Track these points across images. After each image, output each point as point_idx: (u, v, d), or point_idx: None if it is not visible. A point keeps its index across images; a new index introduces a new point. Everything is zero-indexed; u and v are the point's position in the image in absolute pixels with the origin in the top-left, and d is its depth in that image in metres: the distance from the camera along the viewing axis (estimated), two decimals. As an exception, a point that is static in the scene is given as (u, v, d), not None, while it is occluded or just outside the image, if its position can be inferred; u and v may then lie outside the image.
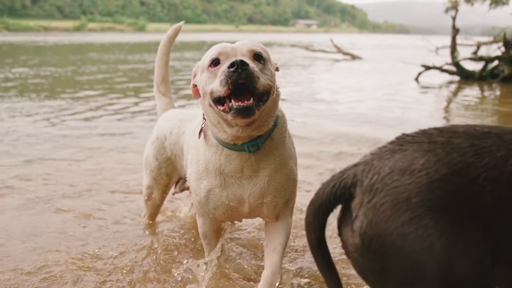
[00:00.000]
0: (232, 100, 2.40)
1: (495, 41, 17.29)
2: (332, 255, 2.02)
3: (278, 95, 2.70)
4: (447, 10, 21.69)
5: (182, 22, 4.04)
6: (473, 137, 1.78)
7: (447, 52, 18.62)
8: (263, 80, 2.44)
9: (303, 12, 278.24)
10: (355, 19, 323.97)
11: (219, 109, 2.48)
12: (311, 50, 33.35)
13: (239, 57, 2.43)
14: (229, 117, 2.43)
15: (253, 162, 2.69)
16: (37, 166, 5.91)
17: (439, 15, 22.66)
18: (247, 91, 2.41)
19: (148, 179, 3.76)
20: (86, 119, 8.98)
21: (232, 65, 2.35)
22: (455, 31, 17.02)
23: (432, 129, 1.85)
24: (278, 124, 2.76)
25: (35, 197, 4.85)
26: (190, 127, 3.19)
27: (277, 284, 2.82)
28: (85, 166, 5.95)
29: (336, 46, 28.50)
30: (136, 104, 11.02)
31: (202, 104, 2.68)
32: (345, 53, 28.47)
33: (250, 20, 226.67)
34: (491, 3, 21.67)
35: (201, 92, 2.63)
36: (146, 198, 3.87)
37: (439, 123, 10.01)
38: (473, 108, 11.64)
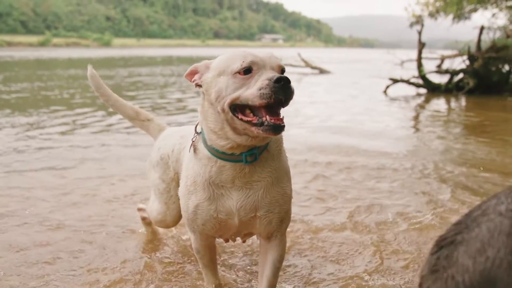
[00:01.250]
0: (267, 116, 2.41)
1: (459, 55, 17.77)
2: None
3: None
4: (411, 25, 22.23)
5: (89, 67, 3.64)
6: None
7: (412, 65, 19.06)
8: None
9: (269, 26, 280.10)
10: (320, 34, 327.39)
11: (239, 118, 2.46)
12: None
13: (274, 72, 2.46)
14: (257, 130, 2.42)
15: (246, 174, 2.66)
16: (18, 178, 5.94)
17: (403, 29, 23.16)
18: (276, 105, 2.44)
19: (159, 204, 3.59)
20: (62, 133, 8.98)
21: (278, 80, 2.36)
22: (421, 45, 17.46)
23: None
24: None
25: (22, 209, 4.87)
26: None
27: None
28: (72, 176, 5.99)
29: (304, 60, 28.76)
30: (107, 116, 11.03)
31: (203, 107, 2.64)
32: (313, 67, 28.73)
33: (216, 35, 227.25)
34: (454, 18, 22.25)
35: (213, 95, 2.53)
36: (157, 223, 3.76)
37: (410, 132, 10.32)
38: (441, 118, 12.00)
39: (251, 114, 2.45)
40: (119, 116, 8.44)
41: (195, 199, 2.75)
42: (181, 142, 3.28)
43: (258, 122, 2.41)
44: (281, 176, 2.77)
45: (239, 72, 2.47)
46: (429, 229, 4.45)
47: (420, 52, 17.44)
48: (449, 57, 18.52)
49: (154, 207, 3.65)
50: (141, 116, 3.82)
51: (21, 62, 40.08)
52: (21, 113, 11.64)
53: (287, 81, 2.36)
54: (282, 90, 2.35)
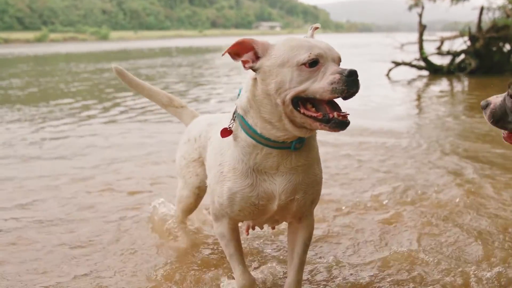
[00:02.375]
0: (335, 113, 2.40)
1: (460, 35, 17.89)
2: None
3: None
4: (410, 8, 22.29)
5: (113, 67, 3.78)
6: None
7: (411, 48, 19.20)
8: None
9: (266, 14, 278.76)
10: (317, 20, 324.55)
11: (302, 112, 2.42)
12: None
13: (331, 64, 2.42)
14: (322, 126, 2.41)
15: (292, 160, 2.65)
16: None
17: (400, 13, 23.23)
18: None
19: (180, 181, 3.73)
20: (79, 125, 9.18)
21: (351, 74, 2.34)
22: (422, 27, 17.56)
23: None
24: None
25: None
26: (216, 133, 3.08)
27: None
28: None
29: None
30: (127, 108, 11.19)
31: (253, 96, 2.56)
32: None
33: (214, 25, 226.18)
34: (452, -1, 22.34)
35: (272, 85, 2.45)
36: (178, 200, 3.84)
37: (415, 111, 10.51)
38: (444, 98, 12.17)
39: (313, 109, 2.42)
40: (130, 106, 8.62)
41: (234, 186, 2.71)
42: (208, 130, 3.33)
43: (324, 119, 2.39)
44: (316, 160, 2.80)
45: (304, 64, 2.40)
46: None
47: (421, 35, 17.54)
48: (450, 38, 18.64)
49: (178, 187, 3.78)
50: (175, 102, 3.92)
51: (21, 58, 40.12)
52: (32, 106, 11.83)
53: (357, 74, 2.36)
54: (355, 85, 2.35)
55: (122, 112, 11.00)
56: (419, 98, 12.70)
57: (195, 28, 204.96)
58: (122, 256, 3.84)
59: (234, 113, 2.71)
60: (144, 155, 6.93)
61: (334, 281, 3.42)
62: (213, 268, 3.58)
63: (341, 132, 2.44)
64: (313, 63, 2.39)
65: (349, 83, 2.33)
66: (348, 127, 2.40)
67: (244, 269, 2.97)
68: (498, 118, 2.56)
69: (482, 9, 17.31)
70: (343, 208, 4.75)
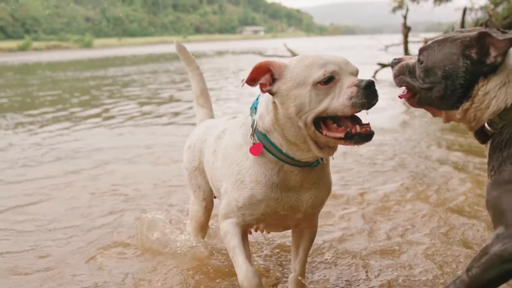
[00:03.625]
0: (357, 126, 2.37)
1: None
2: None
3: None
4: (394, 10, 22.51)
5: (175, 41, 3.85)
6: None
7: (395, 50, 19.40)
8: None
9: (249, 19, 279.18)
10: (301, 23, 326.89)
11: (325, 134, 2.41)
12: (265, 55, 33.76)
13: (347, 78, 2.40)
14: (347, 142, 2.39)
15: (313, 176, 2.68)
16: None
17: (383, 15, 23.46)
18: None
19: (191, 193, 3.70)
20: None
21: (369, 85, 2.32)
22: (407, 29, 17.76)
23: None
24: None
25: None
26: (212, 135, 3.17)
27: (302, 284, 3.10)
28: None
29: (290, 50, 28.94)
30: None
31: (278, 119, 2.52)
32: None
33: (198, 30, 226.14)
34: (435, 0, 22.59)
35: (292, 109, 2.43)
36: (190, 216, 3.78)
37: (401, 109, 10.71)
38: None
39: (335, 125, 2.40)
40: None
41: (259, 195, 2.68)
42: (205, 132, 3.34)
43: (347, 136, 2.37)
44: (329, 174, 2.88)
45: (320, 83, 2.37)
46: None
47: (406, 36, 17.74)
48: (433, 39, 18.87)
49: (190, 201, 3.75)
50: (199, 99, 3.89)
51: (6, 67, 39.85)
52: (18, 114, 11.85)
53: (374, 85, 2.33)
54: (374, 97, 2.33)
55: (110, 118, 11.09)
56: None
57: (179, 34, 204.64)
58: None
59: (254, 129, 2.65)
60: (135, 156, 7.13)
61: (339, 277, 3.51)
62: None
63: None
64: (329, 80, 2.37)
65: (368, 95, 2.31)
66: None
67: (246, 261, 2.77)
68: (403, 73, 2.52)
69: (465, 10, 17.54)
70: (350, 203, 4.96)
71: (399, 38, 18.36)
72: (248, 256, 2.84)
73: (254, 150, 2.63)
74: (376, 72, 17.34)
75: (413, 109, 10.69)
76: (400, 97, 2.58)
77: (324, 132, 2.40)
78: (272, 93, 2.50)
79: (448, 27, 18.68)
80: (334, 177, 5.42)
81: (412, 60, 2.54)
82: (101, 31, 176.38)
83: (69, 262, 3.88)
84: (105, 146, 8.11)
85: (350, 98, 2.32)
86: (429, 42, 2.46)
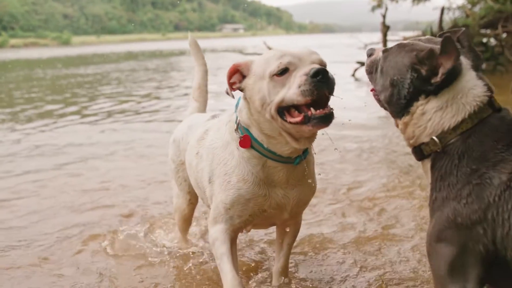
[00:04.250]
0: (311, 109, 2.36)
1: (422, 35, 18.28)
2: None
3: None
4: (373, 9, 22.66)
5: (190, 35, 3.87)
6: None
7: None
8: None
9: (229, 16, 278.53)
10: (281, 21, 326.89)
11: (290, 122, 2.42)
12: (245, 53, 33.83)
13: (301, 65, 2.42)
14: (307, 128, 2.39)
15: (298, 173, 2.70)
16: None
17: (362, 13, 23.58)
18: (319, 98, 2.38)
19: (173, 186, 3.70)
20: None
21: (316, 74, 2.32)
22: (386, 28, 17.93)
23: None
24: None
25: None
26: (194, 137, 3.18)
27: (284, 277, 3.23)
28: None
29: (269, 48, 28.95)
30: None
31: (250, 114, 2.59)
32: None
33: (177, 28, 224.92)
34: (414, 0, 22.79)
35: (257, 103, 2.49)
36: (174, 207, 3.78)
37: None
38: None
39: (297, 112, 2.41)
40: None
41: (247, 194, 2.69)
42: (188, 133, 3.35)
43: (305, 120, 2.37)
44: (314, 171, 2.89)
45: (276, 74, 2.42)
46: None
47: (385, 35, 17.89)
48: (411, 38, 19.03)
49: (173, 194, 3.76)
50: (195, 92, 3.87)
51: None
52: (3, 112, 11.77)
53: (325, 72, 2.32)
54: (322, 83, 2.32)
55: (91, 115, 11.07)
56: None
57: (158, 31, 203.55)
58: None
59: (237, 124, 2.68)
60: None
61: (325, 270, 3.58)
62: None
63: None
64: (284, 71, 2.42)
65: (316, 83, 2.32)
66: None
67: (233, 269, 2.74)
68: (370, 70, 2.46)
69: (443, 9, 17.74)
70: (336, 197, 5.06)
71: (378, 36, 18.51)
72: (235, 265, 2.82)
73: (243, 142, 2.64)
74: (355, 70, 17.48)
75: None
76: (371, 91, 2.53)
77: (288, 119, 2.42)
78: (241, 89, 2.60)
79: (427, 26, 18.85)
80: (320, 173, 5.55)
81: (380, 53, 2.45)
82: (80, 29, 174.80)
83: (53, 258, 3.91)
84: (86, 142, 8.21)
85: (299, 86, 2.34)
86: (393, 45, 2.39)
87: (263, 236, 4.19)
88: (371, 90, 2.49)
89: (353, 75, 17.43)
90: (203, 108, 3.89)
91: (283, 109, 2.43)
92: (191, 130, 3.31)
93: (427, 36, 2.46)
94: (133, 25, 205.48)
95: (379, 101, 2.43)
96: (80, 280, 3.54)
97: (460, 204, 2.03)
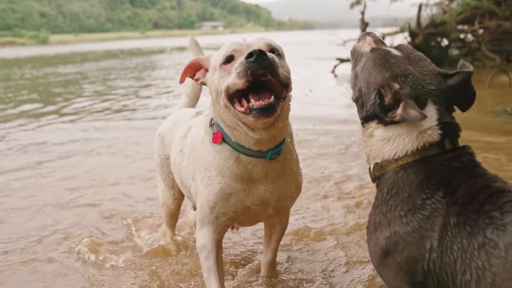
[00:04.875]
0: (252, 100, 2.32)
1: (400, 31, 18.49)
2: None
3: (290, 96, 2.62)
4: (352, 6, 22.78)
5: (190, 36, 3.70)
6: None
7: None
8: (282, 70, 2.35)
9: (208, 14, 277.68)
10: (260, 18, 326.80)
11: (237, 110, 2.39)
12: (225, 51, 33.72)
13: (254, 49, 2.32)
14: (250, 119, 2.34)
15: (275, 166, 2.64)
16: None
17: (341, 10, 23.63)
18: (265, 88, 2.33)
19: (158, 181, 3.70)
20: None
21: (250, 55, 2.25)
22: (365, 24, 18.07)
23: None
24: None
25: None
26: (178, 134, 3.16)
27: (272, 271, 3.31)
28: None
29: (249, 46, 28.97)
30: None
31: (214, 107, 2.59)
32: None
33: (156, 26, 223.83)
34: (393, -4, 22.97)
35: (213, 94, 2.52)
36: (160, 202, 3.77)
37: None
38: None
39: (245, 101, 2.38)
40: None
41: (228, 189, 2.67)
42: (173, 130, 3.33)
43: (249, 110, 2.33)
44: (297, 167, 2.85)
45: (223, 63, 2.43)
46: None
47: (364, 31, 18.02)
48: (391, 34, 19.20)
49: (158, 188, 3.75)
50: (187, 87, 3.79)
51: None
52: None
53: (260, 53, 2.25)
54: (255, 63, 2.24)
55: (72, 114, 11.05)
56: None
57: (137, 29, 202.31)
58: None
59: (211, 120, 2.69)
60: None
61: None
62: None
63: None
64: (230, 59, 2.42)
65: (249, 63, 2.25)
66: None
67: (219, 285, 2.78)
68: (354, 57, 2.40)
69: (420, 5, 17.93)
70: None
71: (357, 33, 18.59)
72: (221, 277, 2.84)
73: (214, 138, 2.64)
74: (335, 67, 17.58)
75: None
76: None
77: (237, 108, 2.39)
78: (204, 84, 2.66)
79: (405, 22, 19.01)
80: (309, 169, 5.62)
81: (367, 47, 2.33)
82: (57, 27, 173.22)
83: (36, 256, 3.94)
84: (69, 140, 8.24)
85: (236, 68, 2.33)
86: (383, 49, 2.25)
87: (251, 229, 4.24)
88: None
89: (333, 71, 17.54)
90: (192, 104, 3.86)
91: (233, 97, 2.39)
92: (175, 127, 3.31)
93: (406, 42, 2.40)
94: (112, 24, 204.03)
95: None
96: (62, 279, 3.56)
97: (385, 238, 2.06)
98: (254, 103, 2.30)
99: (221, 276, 2.82)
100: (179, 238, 3.99)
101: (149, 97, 13.90)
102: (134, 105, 12.46)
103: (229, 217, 2.77)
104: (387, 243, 2.03)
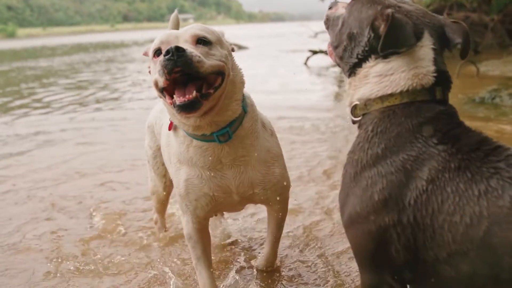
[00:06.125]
0: (175, 95, 2.27)
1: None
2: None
3: (240, 78, 2.60)
4: (323, -2, 22.96)
5: (176, 12, 3.52)
6: None
7: (326, 36, 19.80)
8: (208, 62, 2.29)
9: (178, 6, 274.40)
10: (230, 11, 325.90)
11: (168, 102, 2.35)
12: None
13: (177, 44, 2.31)
14: (177, 112, 2.30)
15: (229, 151, 2.57)
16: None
17: (312, 2, 23.71)
18: (193, 80, 2.28)
19: (149, 170, 3.70)
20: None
21: (167, 52, 2.19)
22: (336, 16, 18.23)
23: None
24: (247, 112, 2.64)
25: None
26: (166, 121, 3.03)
27: (269, 266, 3.23)
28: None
29: (222, 38, 28.91)
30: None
31: None
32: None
33: (126, 19, 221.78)
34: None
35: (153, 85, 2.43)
36: (151, 191, 3.79)
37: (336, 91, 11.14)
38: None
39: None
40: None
41: (185, 175, 2.68)
42: (160, 117, 3.26)
43: (174, 105, 2.29)
44: (264, 156, 2.71)
45: (154, 55, 2.41)
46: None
47: (335, 23, 18.20)
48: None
49: (148, 177, 3.77)
50: None
51: None
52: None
53: (176, 49, 2.19)
54: (172, 61, 2.18)
55: (45, 106, 11.04)
56: (338, 86, 13.16)
57: (106, 22, 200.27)
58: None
59: None
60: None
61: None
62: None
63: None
64: (159, 53, 2.38)
65: (165, 62, 2.20)
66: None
67: (210, 275, 2.89)
68: (327, 25, 2.35)
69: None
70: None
71: (328, 25, 18.76)
72: (210, 266, 2.93)
73: (170, 125, 2.69)
74: (307, 58, 17.70)
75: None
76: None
77: (168, 101, 2.34)
78: None
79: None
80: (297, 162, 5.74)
81: (341, 10, 2.28)
82: (25, 20, 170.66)
83: (19, 245, 4.00)
84: (44, 131, 8.37)
85: (157, 66, 2.27)
86: None
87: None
88: (328, 47, 2.35)
89: (305, 63, 17.68)
90: None
91: (164, 90, 2.34)
92: (163, 114, 3.17)
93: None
94: (81, 17, 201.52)
95: (332, 55, 2.31)
96: (37, 270, 3.58)
97: (363, 192, 1.95)
98: (176, 99, 2.26)
99: (209, 263, 2.91)
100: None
101: (124, 90, 13.84)
102: (110, 96, 12.48)
103: (200, 205, 2.74)
104: (367, 183, 1.95)
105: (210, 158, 2.58)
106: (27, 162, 6.51)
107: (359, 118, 2.12)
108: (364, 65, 2.08)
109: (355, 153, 2.05)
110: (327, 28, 2.34)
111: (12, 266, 3.64)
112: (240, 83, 2.59)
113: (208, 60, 2.30)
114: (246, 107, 2.64)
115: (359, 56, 2.09)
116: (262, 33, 56.01)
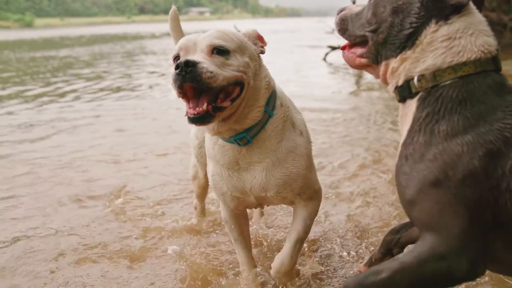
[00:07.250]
0: (187, 106, 2.29)
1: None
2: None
3: (266, 84, 2.56)
4: (341, -7, 22.99)
5: (174, 8, 3.43)
6: None
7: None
8: (224, 74, 2.27)
9: (194, 0, 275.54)
10: (247, 5, 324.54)
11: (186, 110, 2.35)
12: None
13: (193, 55, 2.30)
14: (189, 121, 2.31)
15: (245, 155, 2.57)
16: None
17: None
18: (208, 90, 2.26)
19: (193, 157, 3.72)
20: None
21: (177, 67, 2.20)
22: (356, 11, 18.29)
23: None
24: (273, 115, 2.57)
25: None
26: None
27: (284, 271, 2.84)
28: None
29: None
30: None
31: None
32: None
33: (142, 11, 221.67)
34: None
35: None
36: (192, 177, 3.87)
37: (361, 87, 11.25)
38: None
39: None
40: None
41: (211, 170, 2.77)
42: None
43: (187, 115, 2.30)
44: (284, 157, 2.60)
45: (174, 61, 2.39)
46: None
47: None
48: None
49: (191, 163, 3.85)
50: None
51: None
52: None
53: (186, 65, 2.18)
54: (181, 76, 2.19)
55: (66, 94, 11.29)
56: (356, 81, 13.21)
57: (123, 14, 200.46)
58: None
59: None
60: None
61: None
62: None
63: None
64: (177, 58, 2.39)
65: (175, 76, 2.22)
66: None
67: (247, 254, 2.99)
68: (343, 26, 2.24)
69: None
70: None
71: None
72: (249, 246, 3.02)
73: None
74: (326, 54, 17.78)
75: (363, 87, 11.29)
76: (342, 48, 2.27)
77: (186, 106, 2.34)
78: None
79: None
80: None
81: (358, 8, 2.20)
82: (42, 11, 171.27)
83: (28, 234, 4.04)
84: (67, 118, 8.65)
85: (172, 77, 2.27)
86: None
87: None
88: (342, 48, 2.26)
89: (324, 59, 17.77)
90: None
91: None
92: None
93: None
94: (98, 8, 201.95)
95: (354, 59, 2.19)
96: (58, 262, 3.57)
97: (457, 158, 1.79)
98: (188, 110, 2.28)
99: (246, 244, 3.00)
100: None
101: (148, 79, 14.09)
102: (132, 84, 12.70)
103: (229, 200, 2.79)
104: (461, 149, 1.79)
105: (229, 158, 2.60)
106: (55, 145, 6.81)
107: (420, 94, 1.95)
108: (424, 32, 1.92)
109: (435, 123, 1.87)
110: (344, 29, 2.23)
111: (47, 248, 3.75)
112: (265, 89, 2.54)
113: (224, 71, 2.28)
114: (273, 110, 2.58)
115: (414, 25, 1.93)
116: (279, 28, 55.46)
